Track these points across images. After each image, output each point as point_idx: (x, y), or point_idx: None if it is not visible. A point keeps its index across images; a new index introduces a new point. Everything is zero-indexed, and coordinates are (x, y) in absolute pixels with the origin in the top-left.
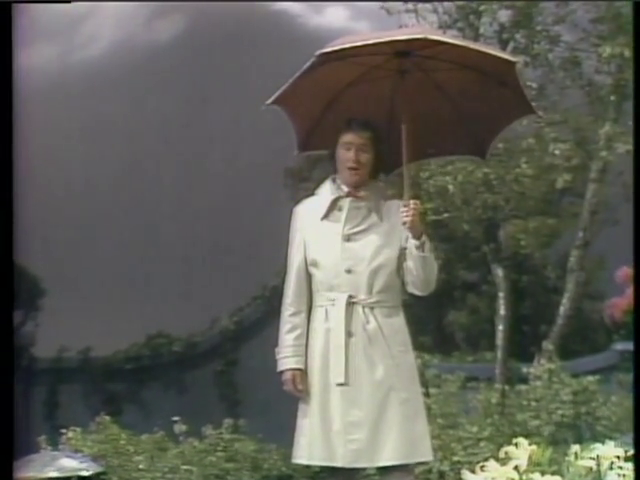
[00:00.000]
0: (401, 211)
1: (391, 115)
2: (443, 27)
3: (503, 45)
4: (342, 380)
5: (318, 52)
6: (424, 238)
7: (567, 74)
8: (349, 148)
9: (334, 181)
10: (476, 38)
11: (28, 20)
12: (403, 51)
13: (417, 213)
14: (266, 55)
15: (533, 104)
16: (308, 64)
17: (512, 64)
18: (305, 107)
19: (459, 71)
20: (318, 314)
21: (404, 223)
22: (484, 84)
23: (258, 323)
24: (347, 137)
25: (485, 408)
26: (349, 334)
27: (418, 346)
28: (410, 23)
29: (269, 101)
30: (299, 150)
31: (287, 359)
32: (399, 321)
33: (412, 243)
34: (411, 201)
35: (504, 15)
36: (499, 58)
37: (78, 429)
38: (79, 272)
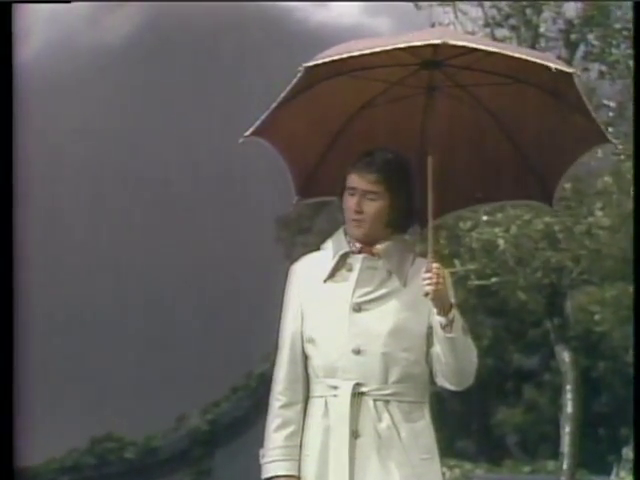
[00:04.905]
0: (422, 277)
1: (422, 148)
2: (490, 25)
3: (571, 49)
4: None
5: (303, 65)
6: (453, 314)
7: None
8: (352, 194)
9: (346, 233)
10: (535, 39)
11: None
12: (431, 60)
13: (443, 280)
14: (254, 60)
15: (610, 129)
16: (294, 82)
17: (569, 76)
18: (303, 139)
19: (510, 86)
20: (315, 407)
21: (426, 294)
22: (545, 103)
23: (239, 422)
24: (350, 180)
25: None
26: (355, 434)
27: (457, 452)
28: (446, 20)
29: (248, 132)
30: (299, 196)
31: (276, 464)
32: (423, 421)
33: (437, 320)
34: (433, 265)
35: (572, 9)
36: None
37: None
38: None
